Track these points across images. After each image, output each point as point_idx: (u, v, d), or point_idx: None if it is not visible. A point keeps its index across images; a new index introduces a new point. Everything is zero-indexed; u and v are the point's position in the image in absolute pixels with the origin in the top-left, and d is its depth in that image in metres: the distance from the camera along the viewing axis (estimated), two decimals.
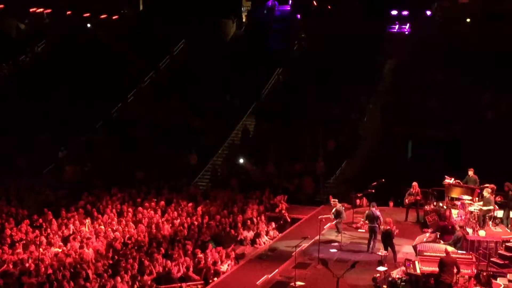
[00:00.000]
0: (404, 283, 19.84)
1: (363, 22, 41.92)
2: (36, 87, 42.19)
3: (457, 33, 41.15)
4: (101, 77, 42.58)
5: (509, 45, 38.03)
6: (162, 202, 29.91)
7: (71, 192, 31.88)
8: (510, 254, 21.67)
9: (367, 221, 24.30)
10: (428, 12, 43.42)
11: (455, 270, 19.33)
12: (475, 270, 19.96)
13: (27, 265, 22.62)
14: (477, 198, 24.69)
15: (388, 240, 22.70)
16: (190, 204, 29.85)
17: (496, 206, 24.05)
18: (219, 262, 23.69)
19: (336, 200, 26.68)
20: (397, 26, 43.11)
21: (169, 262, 23.08)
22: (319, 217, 25.72)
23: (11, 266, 22.68)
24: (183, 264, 23.04)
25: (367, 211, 24.61)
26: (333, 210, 26.07)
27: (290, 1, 45.10)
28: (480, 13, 42.20)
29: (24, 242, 25.02)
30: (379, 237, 23.44)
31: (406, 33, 43.12)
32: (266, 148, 36.93)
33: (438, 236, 23.24)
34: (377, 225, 23.65)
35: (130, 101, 42.13)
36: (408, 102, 38.17)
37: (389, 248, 22.59)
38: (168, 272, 22.59)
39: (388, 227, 22.73)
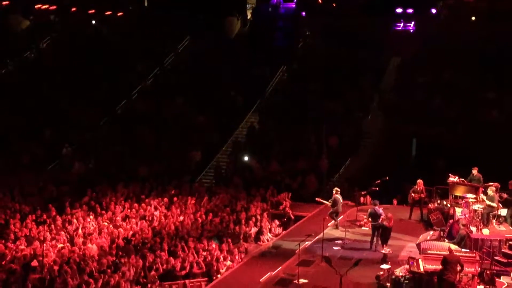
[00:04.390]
0: (407, 281, 19.79)
1: (368, 20, 41.93)
2: (41, 83, 42.24)
3: (462, 31, 41.06)
4: (106, 74, 42.64)
5: None
6: (166, 199, 29.93)
7: (75, 189, 31.93)
8: None
9: (370, 219, 24.30)
10: (433, 10, 43.37)
11: (458, 268, 19.30)
12: (479, 269, 19.92)
13: (31, 261, 22.67)
14: (480, 196, 24.62)
15: (385, 233, 23.03)
16: (193, 201, 29.87)
17: (500, 204, 24.00)
18: (222, 259, 23.72)
19: (339, 190, 26.65)
20: (402, 24, 43.09)
21: (172, 258, 23.11)
22: (317, 198, 26.89)
23: (15, 262, 22.72)
24: (186, 261, 23.06)
25: (370, 209, 24.61)
26: (331, 198, 26.19)
27: None
28: (485, 11, 42.12)
29: (27, 238, 25.06)
30: None
31: (411, 31, 43.09)
32: (270, 146, 36.92)
33: (442, 234, 23.21)
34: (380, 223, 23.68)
35: (134, 98, 42.15)
36: (412, 100, 38.12)
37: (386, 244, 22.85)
38: (171, 269, 22.62)
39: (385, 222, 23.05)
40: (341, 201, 26.44)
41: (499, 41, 39.05)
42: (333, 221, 26.17)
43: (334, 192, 26.55)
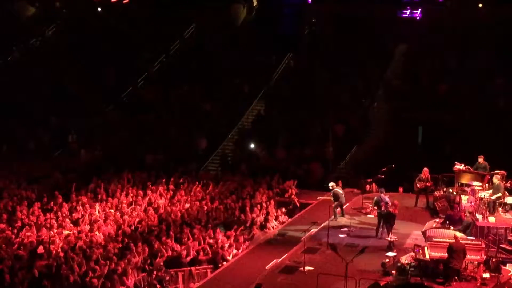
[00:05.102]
0: (413, 269, 19.83)
1: (374, 7, 41.77)
2: (47, 70, 42.24)
3: (469, 18, 40.89)
4: (111, 61, 42.62)
5: None
6: (172, 186, 29.97)
7: (81, 176, 31.97)
8: None
9: (375, 207, 24.30)
10: None
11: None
12: (485, 256, 19.94)
13: (37, 247, 22.75)
14: (487, 185, 24.62)
15: (390, 220, 23.05)
16: (199, 188, 29.91)
17: (506, 192, 23.97)
18: (228, 247, 23.76)
19: (334, 184, 26.59)
20: (408, 11, 42.92)
21: (178, 246, 23.16)
22: (318, 198, 26.18)
23: (21, 249, 22.80)
24: (192, 248, 23.10)
25: (375, 197, 24.60)
26: (331, 193, 26.13)
27: None
28: None
29: (34, 225, 25.13)
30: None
31: (418, 18, 42.93)
32: (276, 133, 36.91)
33: (446, 222, 23.23)
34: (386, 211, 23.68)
35: (140, 85, 42.14)
36: (418, 87, 38.04)
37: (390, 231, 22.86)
38: (177, 256, 22.67)
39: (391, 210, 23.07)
40: (342, 192, 26.35)
41: (507, 27, 38.86)
42: (333, 217, 25.99)
43: (330, 187, 26.47)
